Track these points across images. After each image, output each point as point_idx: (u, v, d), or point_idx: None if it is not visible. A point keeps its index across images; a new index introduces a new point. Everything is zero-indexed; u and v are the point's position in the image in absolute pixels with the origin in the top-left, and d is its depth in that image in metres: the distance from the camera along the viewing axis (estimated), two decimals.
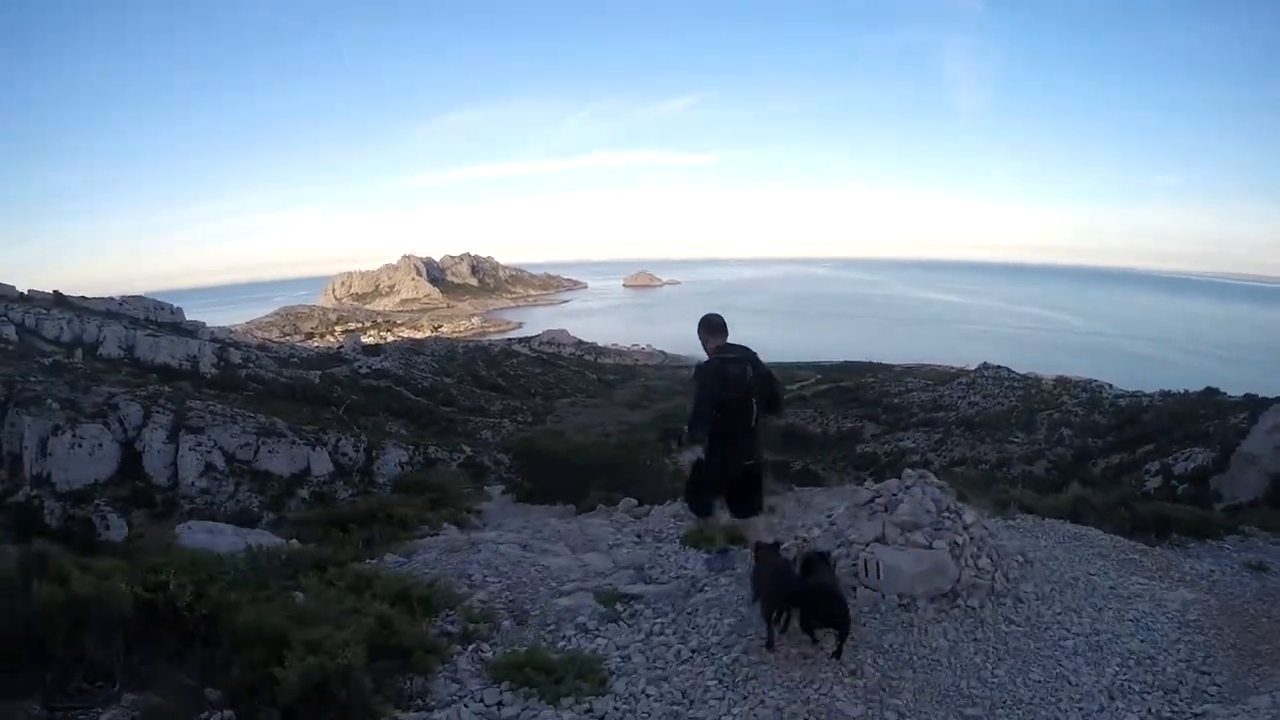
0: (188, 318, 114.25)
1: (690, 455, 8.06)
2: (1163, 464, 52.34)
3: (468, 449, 74.11)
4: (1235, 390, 69.12)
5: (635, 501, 17.29)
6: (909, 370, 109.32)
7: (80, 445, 62.85)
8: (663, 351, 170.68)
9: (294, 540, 10.78)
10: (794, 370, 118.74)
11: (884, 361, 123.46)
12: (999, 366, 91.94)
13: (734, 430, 7.70)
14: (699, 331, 8.37)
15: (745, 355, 7.96)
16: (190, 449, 65.39)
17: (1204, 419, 60.70)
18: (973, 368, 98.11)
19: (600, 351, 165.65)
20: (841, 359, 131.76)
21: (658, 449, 28.32)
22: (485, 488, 35.56)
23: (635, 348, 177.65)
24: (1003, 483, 54.45)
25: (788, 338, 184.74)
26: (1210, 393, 69.60)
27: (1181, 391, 73.30)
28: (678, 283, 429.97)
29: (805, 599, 6.57)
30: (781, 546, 7.59)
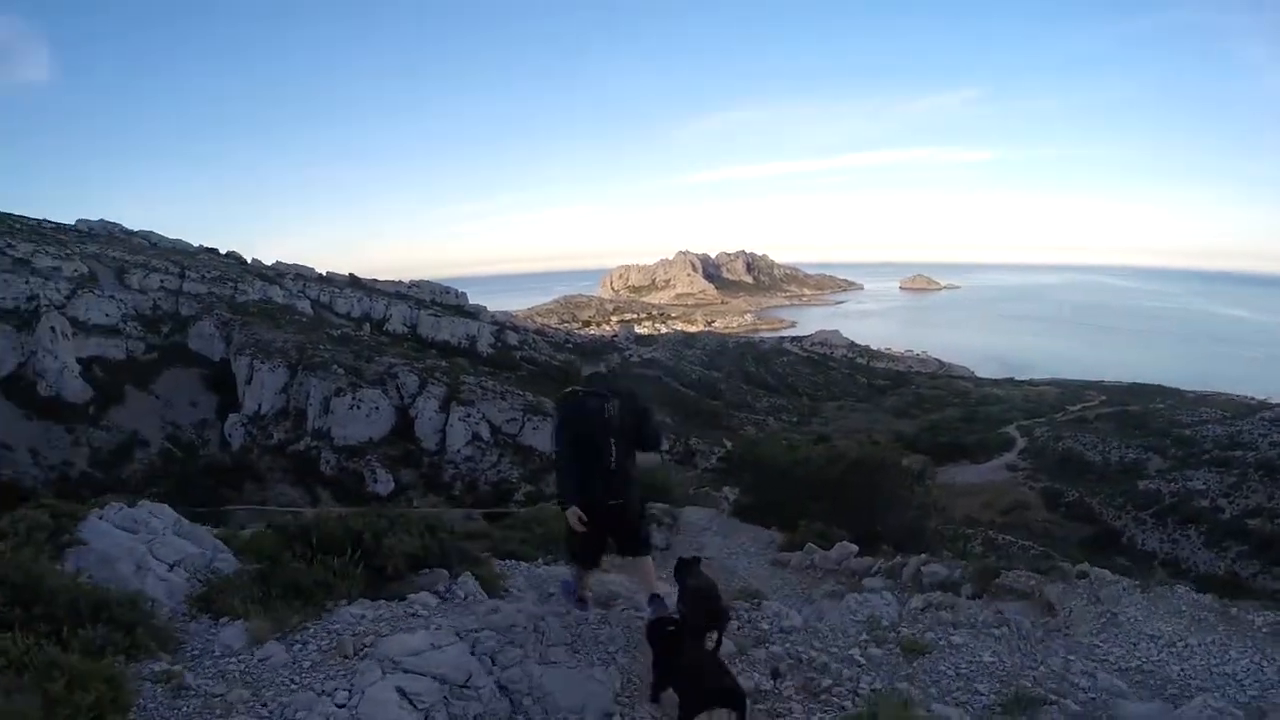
0: (471, 302, 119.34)
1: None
2: None
3: (728, 444, 73.55)
4: None
5: (855, 547, 13.67)
6: (1203, 398, 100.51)
7: (359, 406, 68.05)
8: (938, 360, 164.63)
9: (229, 557, 7.87)
10: (1079, 389, 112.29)
11: (1175, 386, 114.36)
12: None
13: (590, 470, 6.97)
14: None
15: (614, 390, 7.22)
16: (459, 419, 68.82)
17: None
18: (1276, 400, 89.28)
19: (873, 355, 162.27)
20: (1129, 379, 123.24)
21: (905, 472, 22.47)
22: (725, 489, 33.83)
23: (909, 353, 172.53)
24: None
25: (1071, 351, 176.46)
26: None
27: None
28: (957, 287, 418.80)
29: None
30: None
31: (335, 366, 71.74)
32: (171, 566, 7.22)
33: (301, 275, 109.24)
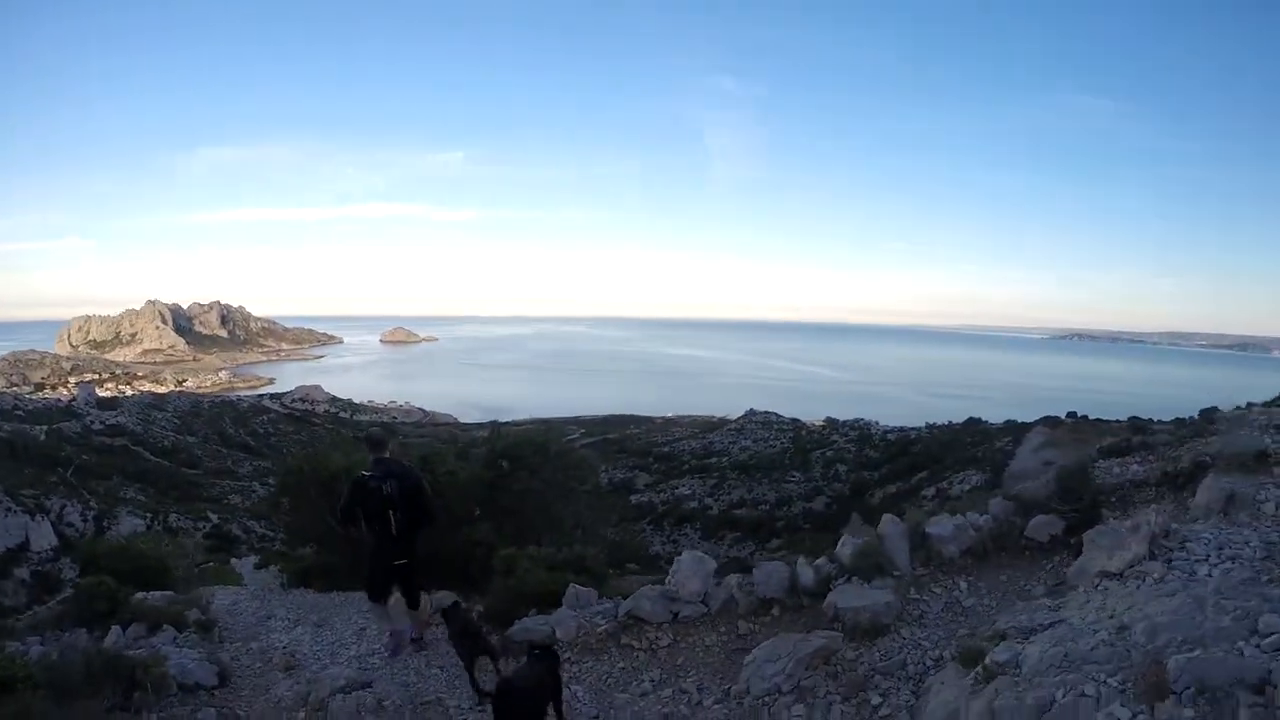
0: None
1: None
2: (938, 488, 52.50)
3: (214, 516, 68.19)
4: (994, 419, 71.87)
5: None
6: (672, 421, 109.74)
7: None
8: (421, 409, 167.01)
9: None
10: (560, 425, 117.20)
11: (645, 414, 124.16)
12: (765, 411, 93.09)
13: (377, 536, 8.94)
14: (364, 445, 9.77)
15: (391, 472, 8.98)
16: None
17: (971, 445, 63.12)
18: (735, 416, 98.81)
19: (356, 409, 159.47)
20: (604, 413, 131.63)
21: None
22: (234, 560, 30.37)
23: (393, 404, 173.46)
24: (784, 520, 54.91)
25: (547, 392, 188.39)
26: (973, 422, 72.23)
27: (946, 423, 76.06)
28: (435, 339, 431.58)
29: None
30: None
31: None
32: None
33: None
